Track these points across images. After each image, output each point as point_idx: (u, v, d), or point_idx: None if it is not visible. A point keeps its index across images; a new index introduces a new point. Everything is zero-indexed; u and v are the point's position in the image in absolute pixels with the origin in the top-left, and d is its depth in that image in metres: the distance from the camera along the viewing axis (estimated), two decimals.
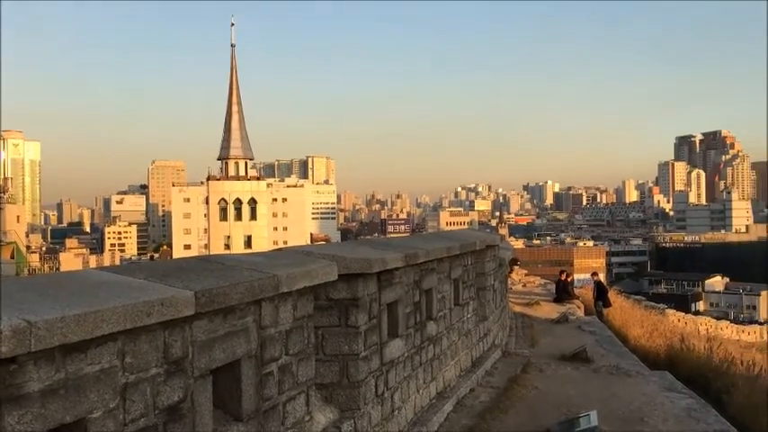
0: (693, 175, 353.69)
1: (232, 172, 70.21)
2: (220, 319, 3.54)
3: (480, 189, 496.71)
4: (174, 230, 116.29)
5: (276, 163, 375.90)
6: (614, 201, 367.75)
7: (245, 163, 70.80)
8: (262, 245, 61.51)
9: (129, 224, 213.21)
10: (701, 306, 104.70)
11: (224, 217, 69.71)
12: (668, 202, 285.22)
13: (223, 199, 69.45)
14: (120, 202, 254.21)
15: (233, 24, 70.68)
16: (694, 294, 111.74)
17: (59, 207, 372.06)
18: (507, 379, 9.19)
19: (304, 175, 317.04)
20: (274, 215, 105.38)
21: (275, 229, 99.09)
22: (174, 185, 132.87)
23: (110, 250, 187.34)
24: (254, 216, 70.10)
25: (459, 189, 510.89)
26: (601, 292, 22.05)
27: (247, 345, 3.77)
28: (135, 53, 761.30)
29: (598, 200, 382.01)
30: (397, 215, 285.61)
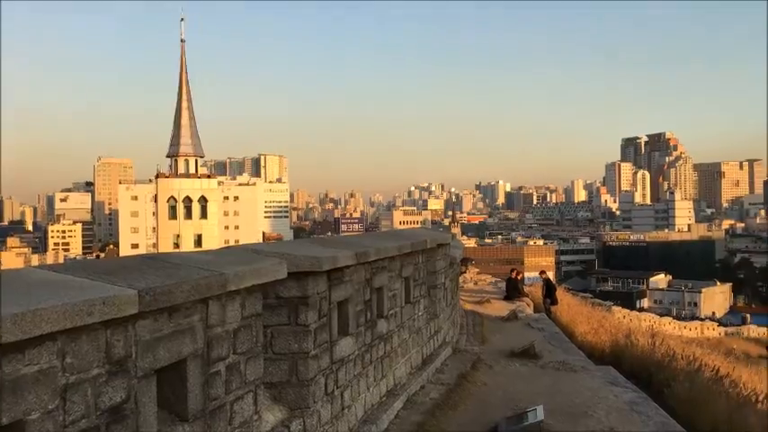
0: (639, 175, 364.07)
1: (182, 170, 68.91)
2: (165, 318, 3.48)
3: (433, 188, 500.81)
4: (122, 229, 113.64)
5: (228, 161, 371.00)
6: (563, 200, 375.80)
7: (196, 160, 69.58)
8: (212, 244, 60.59)
9: (74, 222, 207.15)
10: (645, 303, 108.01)
11: (173, 215, 68.37)
12: (615, 201, 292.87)
13: (172, 197, 68.11)
14: (64, 200, 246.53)
15: (182, 19, 69.45)
16: (639, 292, 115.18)
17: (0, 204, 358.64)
18: (457, 376, 9.30)
19: (256, 173, 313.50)
20: (226, 214, 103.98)
21: (226, 227, 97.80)
22: (121, 183, 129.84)
23: (53, 249, 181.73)
24: (204, 215, 68.98)
25: (413, 188, 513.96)
26: (549, 289, 22.55)
27: (193, 344, 3.72)
28: (80, 47, 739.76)
29: (548, 199, 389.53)
30: (351, 214, 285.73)
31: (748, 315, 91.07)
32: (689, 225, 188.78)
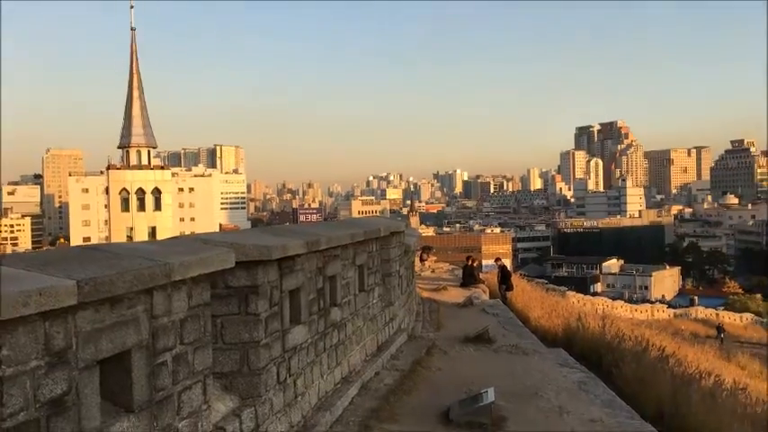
0: (592, 163, 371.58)
1: (134, 161, 67.41)
2: (107, 308, 3.44)
3: (392, 178, 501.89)
4: (72, 222, 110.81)
5: (182, 152, 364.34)
6: (520, 189, 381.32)
7: (148, 151, 68.12)
8: (167, 236, 59.40)
9: (23, 216, 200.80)
10: (598, 287, 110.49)
11: (126, 208, 66.90)
12: (569, 189, 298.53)
13: (125, 189, 66.62)
14: (11, 193, 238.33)
15: (132, 6, 67.64)
16: (592, 277, 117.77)
17: None
18: (412, 361, 9.40)
19: (212, 164, 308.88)
20: (181, 206, 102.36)
21: (182, 219, 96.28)
22: (71, 175, 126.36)
23: (1, 244, 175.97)
24: (158, 206, 67.68)
25: (371, 178, 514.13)
26: (505, 276, 22.89)
27: (138, 335, 3.69)
28: (26, 34, 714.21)
29: (505, 188, 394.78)
30: (309, 204, 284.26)
31: (696, 297, 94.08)
32: (640, 211, 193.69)
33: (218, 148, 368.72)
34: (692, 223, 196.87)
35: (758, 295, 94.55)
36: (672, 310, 71.31)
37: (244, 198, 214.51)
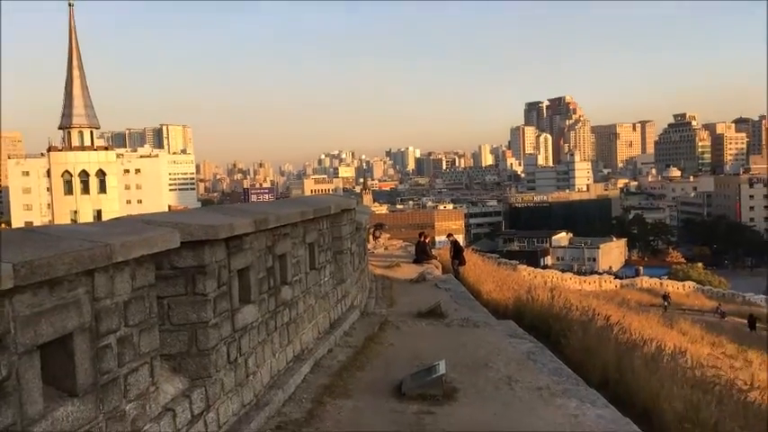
0: (541, 138, 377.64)
1: (76, 142, 65.18)
2: (46, 291, 3.36)
3: (344, 156, 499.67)
4: (13, 207, 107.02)
5: (127, 132, 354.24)
6: (472, 165, 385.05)
7: (91, 132, 65.94)
8: None
9: None
10: (549, 260, 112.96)
11: (69, 191, 64.82)
12: (520, 164, 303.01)
13: (67, 171, 64.48)
14: None
15: None
16: (543, 250, 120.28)
17: None
18: (365, 338, 9.48)
19: (159, 144, 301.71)
20: (127, 188, 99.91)
21: (128, 202, 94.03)
22: (10, 158, 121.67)
23: None
24: (103, 189, 65.78)
25: (323, 156, 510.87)
26: (457, 251, 23.17)
27: (79, 318, 3.61)
28: None
29: (457, 164, 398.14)
30: (261, 184, 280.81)
31: (641, 267, 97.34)
32: (588, 185, 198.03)
33: (164, 127, 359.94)
34: (637, 196, 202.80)
35: (700, 264, 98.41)
36: (618, 281, 73.40)
37: (193, 179, 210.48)
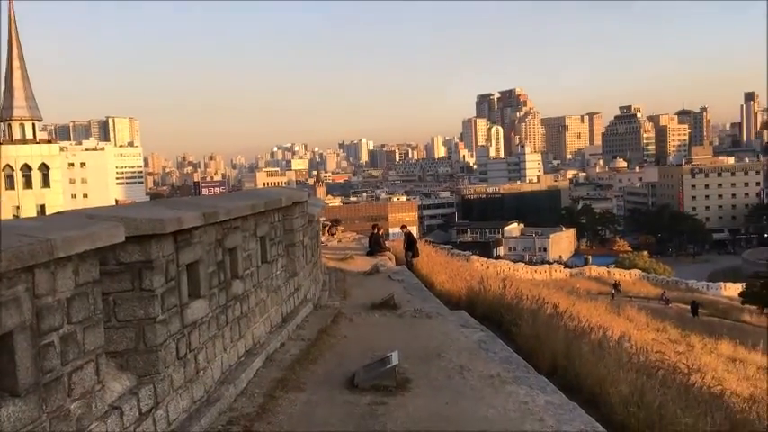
0: (493, 131, 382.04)
1: (17, 135, 62.86)
2: None
3: (297, 148, 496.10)
4: None
5: (72, 124, 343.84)
6: (425, 157, 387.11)
7: (33, 125, 63.68)
8: None
9: None
10: (501, 251, 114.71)
11: (11, 185, 62.52)
12: (472, 156, 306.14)
13: (8, 165, 62.16)
14: None
15: None
16: (495, 241, 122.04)
17: None
18: (318, 330, 9.46)
19: (105, 137, 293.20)
20: (72, 182, 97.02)
21: (74, 196, 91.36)
22: None
23: None
24: (46, 183, 63.67)
25: (276, 149, 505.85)
26: (410, 243, 23.29)
27: (19, 316, 3.50)
28: None
29: (410, 156, 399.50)
30: (212, 177, 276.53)
31: (589, 256, 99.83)
32: (538, 176, 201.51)
33: (110, 120, 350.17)
34: (585, 187, 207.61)
35: (645, 252, 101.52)
36: (568, 270, 75.07)
37: (141, 172, 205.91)
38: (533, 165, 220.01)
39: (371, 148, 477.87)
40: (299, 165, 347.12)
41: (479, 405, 6.54)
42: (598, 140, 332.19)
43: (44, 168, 63.63)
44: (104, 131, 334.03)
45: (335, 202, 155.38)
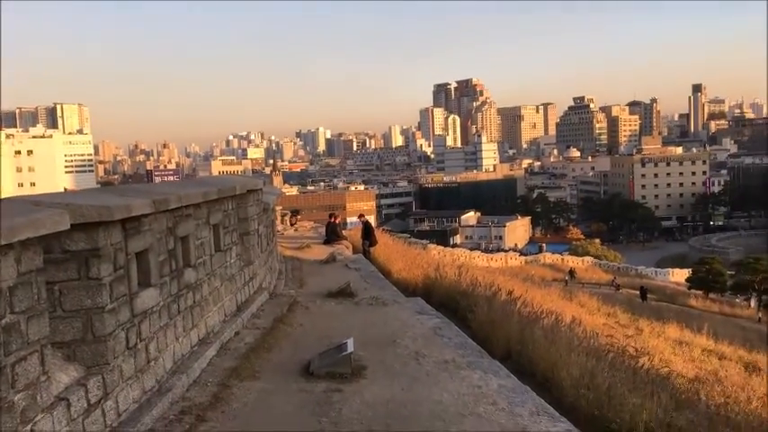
0: (450, 120, 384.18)
1: None
2: None
3: (253, 137, 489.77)
4: None
5: (18, 111, 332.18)
6: (382, 146, 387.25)
7: None
8: None
9: None
10: (458, 239, 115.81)
11: None
12: (429, 145, 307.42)
13: None
14: None
15: None
16: (452, 229, 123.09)
17: None
18: (273, 319, 9.40)
19: (53, 124, 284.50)
20: (19, 170, 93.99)
21: (20, 185, 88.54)
22: None
23: None
24: None
25: (231, 137, 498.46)
26: (367, 231, 23.30)
27: None
28: None
29: (367, 145, 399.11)
30: (165, 165, 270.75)
31: (544, 244, 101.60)
32: (494, 165, 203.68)
33: (58, 106, 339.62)
34: (540, 176, 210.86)
35: (597, 240, 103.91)
36: (523, 257, 76.38)
37: (91, 160, 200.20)
38: (489, 154, 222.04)
39: (329, 136, 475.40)
40: (256, 153, 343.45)
41: (434, 390, 6.60)
42: (553, 130, 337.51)
43: None
44: (52, 118, 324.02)
45: (292, 191, 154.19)
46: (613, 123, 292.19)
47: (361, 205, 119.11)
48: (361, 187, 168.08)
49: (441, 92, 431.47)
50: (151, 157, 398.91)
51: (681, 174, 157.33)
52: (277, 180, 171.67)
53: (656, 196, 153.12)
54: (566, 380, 8.62)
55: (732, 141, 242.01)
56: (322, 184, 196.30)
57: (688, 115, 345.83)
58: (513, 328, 11.20)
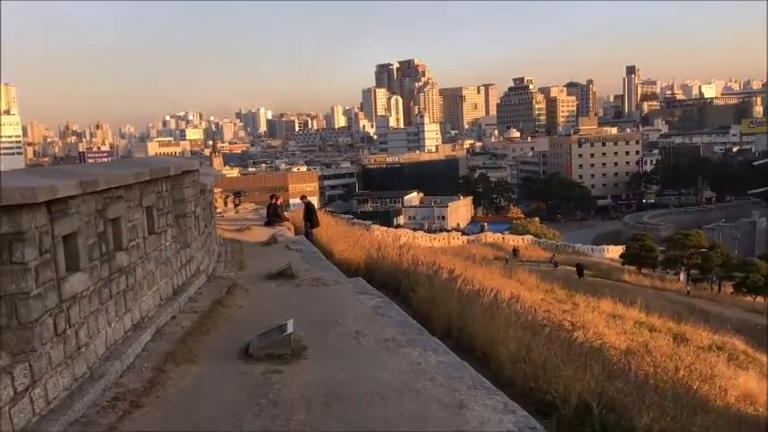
0: (393, 101, 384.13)
1: None
2: None
3: (191, 117, 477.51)
4: None
5: None
6: (325, 126, 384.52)
7: None
8: None
9: None
10: (401, 220, 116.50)
11: None
12: (372, 126, 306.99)
13: None
14: None
15: None
16: (395, 210, 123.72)
17: None
18: (211, 302, 9.26)
19: None
20: None
21: None
22: None
23: None
24: None
25: (168, 118, 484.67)
26: (309, 213, 23.17)
27: None
28: None
29: (310, 126, 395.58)
30: (99, 147, 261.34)
31: (485, 224, 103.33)
32: (437, 146, 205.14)
33: None
34: (481, 156, 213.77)
35: (536, 219, 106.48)
36: (465, 237, 77.57)
37: (20, 142, 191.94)
38: (432, 135, 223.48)
39: (270, 117, 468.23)
40: (194, 134, 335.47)
41: (374, 368, 6.65)
42: (494, 111, 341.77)
43: None
44: None
45: (233, 173, 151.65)
46: (552, 104, 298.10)
47: (303, 186, 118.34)
48: (304, 168, 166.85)
49: (383, 72, 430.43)
50: (84, 139, 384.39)
51: (615, 153, 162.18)
52: (217, 162, 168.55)
53: (593, 175, 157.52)
54: (503, 354, 8.81)
55: (663, 122, 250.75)
56: (264, 165, 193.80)
57: (622, 96, 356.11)
58: (454, 305, 11.35)
